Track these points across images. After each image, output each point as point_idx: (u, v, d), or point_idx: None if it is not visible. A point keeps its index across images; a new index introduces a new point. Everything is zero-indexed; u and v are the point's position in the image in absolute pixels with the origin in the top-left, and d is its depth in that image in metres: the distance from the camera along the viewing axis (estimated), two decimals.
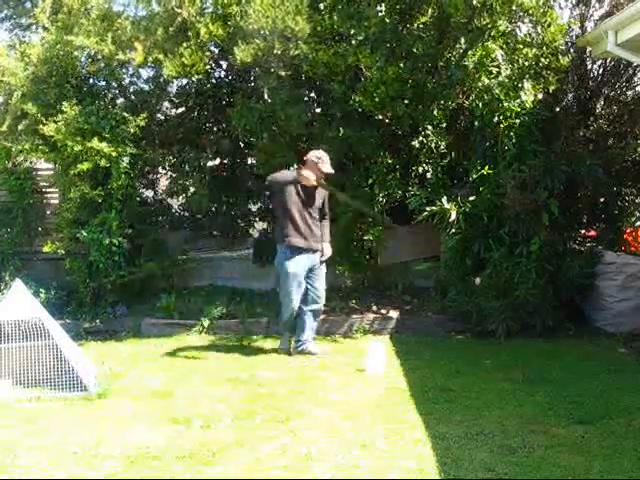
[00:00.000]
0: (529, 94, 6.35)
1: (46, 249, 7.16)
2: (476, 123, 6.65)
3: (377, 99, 6.22)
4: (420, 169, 7.48)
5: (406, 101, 6.40)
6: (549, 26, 6.26)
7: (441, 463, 3.58)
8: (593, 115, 7.17)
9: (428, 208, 6.45)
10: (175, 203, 8.16)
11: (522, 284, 6.29)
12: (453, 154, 7.18)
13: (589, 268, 6.65)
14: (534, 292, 6.30)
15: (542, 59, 6.39)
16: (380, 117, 6.76)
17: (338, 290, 7.31)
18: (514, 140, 6.40)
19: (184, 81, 7.42)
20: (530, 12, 6.24)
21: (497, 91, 6.29)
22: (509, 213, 6.36)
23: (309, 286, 5.86)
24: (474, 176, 6.49)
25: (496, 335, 6.36)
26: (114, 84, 7.46)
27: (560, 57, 6.35)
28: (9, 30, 7.90)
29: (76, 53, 6.89)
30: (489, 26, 6.23)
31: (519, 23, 6.61)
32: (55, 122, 6.65)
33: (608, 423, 4.15)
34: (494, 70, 6.45)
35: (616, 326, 6.48)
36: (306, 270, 5.81)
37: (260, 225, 8.29)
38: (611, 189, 7.18)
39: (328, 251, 5.96)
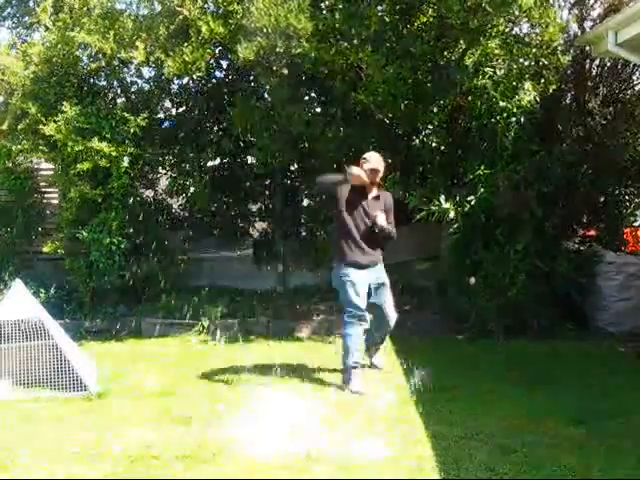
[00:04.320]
0: (527, 94, 6.35)
1: (46, 249, 7.16)
2: (474, 123, 6.65)
3: (379, 98, 6.23)
4: (420, 169, 7.48)
5: (406, 101, 6.40)
6: (547, 26, 6.25)
7: (441, 463, 3.59)
8: (591, 114, 7.16)
9: (427, 207, 6.45)
10: (175, 203, 8.15)
11: (514, 284, 6.30)
12: (452, 154, 7.18)
13: (588, 268, 6.65)
14: (527, 292, 6.30)
15: (542, 59, 6.38)
16: (380, 117, 6.76)
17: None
18: (512, 140, 6.40)
19: (185, 80, 7.41)
20: (528, 12, 6.23)
21: (492, 90, 6.28)
22: (503, 213, 6.36)
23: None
24: (472, 176, 6.49)
25: (495, 335, 6.37)
26: (115, 84, 7.45)
27: (560, 56, 6.34)
28: (11, 29, 7.90)
29: (77, 53, 6.88)
30: (485, 27, 6.23)
31: (518, 23, 6.60)
32: (55, 122, 6.64)
33: (608, 423, 4.15)
34: (492, 70, 6.44)
35: (616, 326, 6.49)
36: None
37: (260, 225, 8.29)
38: (610, 189, 7.18)
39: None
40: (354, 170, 5.02)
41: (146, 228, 7.36)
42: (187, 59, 6.26)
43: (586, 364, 5.56)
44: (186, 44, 6.31)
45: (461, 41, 6.47)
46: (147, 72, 7.41)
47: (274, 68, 6.35)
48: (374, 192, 5.18)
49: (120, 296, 7.17)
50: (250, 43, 6.05)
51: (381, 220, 5.07)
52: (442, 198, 6.37)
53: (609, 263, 6.66)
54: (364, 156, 5.16)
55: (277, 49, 6.08)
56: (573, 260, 6.60)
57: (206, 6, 6.53)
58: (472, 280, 6.52)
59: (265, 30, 6.01)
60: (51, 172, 7.80)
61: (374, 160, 5.11)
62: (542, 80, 6.40)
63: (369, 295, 5.12)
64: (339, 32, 6.31)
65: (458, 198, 6.40)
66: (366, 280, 5.09)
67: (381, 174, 5.19)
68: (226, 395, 4.87)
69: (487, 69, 6.35)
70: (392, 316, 5.29)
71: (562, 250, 6.76)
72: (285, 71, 6.30)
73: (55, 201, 8.04)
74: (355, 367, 5.00)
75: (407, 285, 7.49)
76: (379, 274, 5.22)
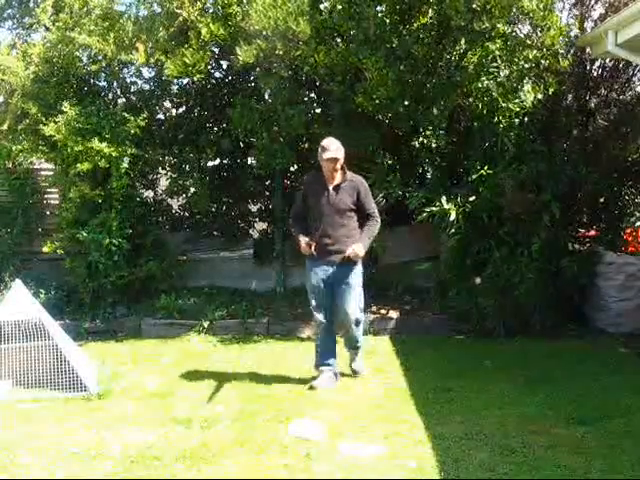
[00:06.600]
0: (529, 95, 6.34)
1: (46, 249, 7.14)
2: (475, 124, 6.65)
3: (377, 101, 6.22)
4: (420, 169, 7.48)
5: (406, 102, 6.39)
6: (549, 29, 6.25)
7: (441, 463, 3.59)
8: (592, 115, 7.17)
9: (428, 208, 6.45)
10: (175, 203, 8.15)
11: (521, 284, 6.30)
12: (453, 154, 7.18)
13: (589, 268, 6.66)
14: (533, 292, 6.30)
15: (542, 61, 6.38)
16: (380, 117, 6.75)
17: None
18: (513, 140, 6.40)
19: (185, 81, 7.41)
20: (530, 15, 6.23)
21: (495, 91, 6.28)
22: (508, 214, 6.36)
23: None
24: (474, 176, 6.49)
25: (496, 335, 6.37)
26: (115, 84, 7.44)
27: (560, 59, 6.34)
28: (12, 30, 7.90)
29: (77, 53, 6.88)
30: (488, 29, 6.22)
31: (519, 25, 6.60)
32: (55, 122, 6.64)
33: (608, 423, 4.15)
34: (493, 71, 6.44)
35: (616, 326, 6.49)
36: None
37: (260, 225, 8.29)
38: (610, 189, 7.18)
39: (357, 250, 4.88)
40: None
41: (146, 228, 7.35)
42: (187, 61, 6.26)
43: (586, 364, 5.56)
44: (186, 46, 6.31)
45: (462, 42, 6.47)
46: (147, 72, 7.43)
47: (273, 71, 6.34)
48: (337, 180, 4.99)
49: (120, 296, 7.17)
50: (250, 46, 6.04)
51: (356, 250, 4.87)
52: (443, 199, 6.37)
53: (609, 263, 6.65)
54: (322, 144, 4.92)
55: (276, 51, 6.08)
56: (575, 260, 6.60)
57: (206, 7, 6.53)
58: (478, 280, 6.52)
59: (264, 33, 6.01)
60: (51, 172, 7.80)
61: (333, 148, 4.86)
62: (544, 82, 6.40)
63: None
64: (338, 34, 6.32)
65: (459, 198, 6.40)
66: None
67: (341, 160, 4.92)
68: (226, 395, 4.87)
69: (491, 69, 6.34)
70: None
71: (568, 250, 6.76)
72: (284, 73, 6.30)
73: (55, 201, 8.04)
74: None
75: (407, 285, 7.50)
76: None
